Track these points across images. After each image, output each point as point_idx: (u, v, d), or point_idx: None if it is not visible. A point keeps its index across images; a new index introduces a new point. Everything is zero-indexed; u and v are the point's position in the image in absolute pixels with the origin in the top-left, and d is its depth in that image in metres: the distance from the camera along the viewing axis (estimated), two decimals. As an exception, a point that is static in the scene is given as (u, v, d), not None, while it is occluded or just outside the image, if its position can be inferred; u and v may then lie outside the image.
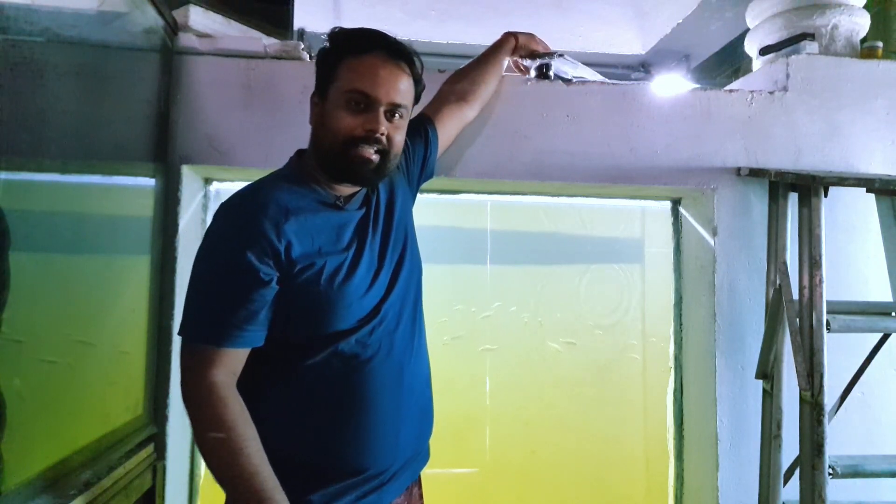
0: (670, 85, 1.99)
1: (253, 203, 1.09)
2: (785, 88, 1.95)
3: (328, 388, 1.09)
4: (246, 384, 1.10)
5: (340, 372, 1.09)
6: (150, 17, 1.53)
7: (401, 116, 1.14)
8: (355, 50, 1.11)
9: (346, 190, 1.17)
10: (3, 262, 1.07)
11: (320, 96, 1.15)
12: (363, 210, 1.19)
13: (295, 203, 1.10)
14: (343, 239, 1.13)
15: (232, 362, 1.04)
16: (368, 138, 1.09)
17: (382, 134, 1.10)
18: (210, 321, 1.03)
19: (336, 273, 1.09)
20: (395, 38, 1.15)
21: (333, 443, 1.09)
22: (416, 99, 1.22)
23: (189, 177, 1.72)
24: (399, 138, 1.15)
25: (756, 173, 1.85)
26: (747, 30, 2.33)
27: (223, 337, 1.02)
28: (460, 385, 3.21)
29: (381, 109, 1.10)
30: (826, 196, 1.65)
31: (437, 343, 3.23)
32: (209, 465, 1.00)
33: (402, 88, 1.12)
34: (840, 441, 1.70)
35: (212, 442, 0.99)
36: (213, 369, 1.01)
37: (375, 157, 1.11)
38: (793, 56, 1.97)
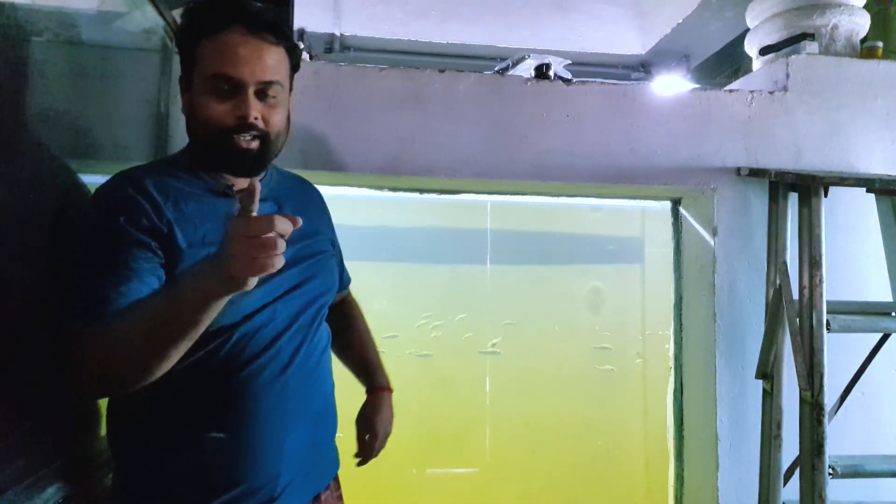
0: (670, 85, 2.00)
1: (128, 183, 0.98)
2: (785, 88, 1.95)
3: (201, 393, 0.99)
4: (116, 404, 1.04)
5: (215, 374, 0.99)
6: (150, 17, 1.53)
7: (274, 95, 1.03)
8: (211, 28, 1.00)
9: (241, 182, 1.07)
10: None
11: (187, 81, 1.05)
12: (269, 204, 1.11)
13: (177, 188, 1.01)
14: None
15: None
16: (242, 126, 0.99)
17: (256, 118, 1.00)
18: (89, 295, 0.89)
19: None
20: (254, 8, 1.03)
21: (210, 454, 0.99)
22: (294, 68, 1.10)
23: (189, 177, 1.72)
24: (277, 118, 1.04)
25: (756, 173, 1.85)
26: (747, 30, 2.33)
27: (106, 304, 0.87)
28: (460, 386, 3.21)
29: (251, 91, 1.00)
30: (826, 196, 1.66)
31: (436, 343, 3.23)
32: (155, 346, 0.86)
33: (270, 64, 1.01)
34: (840, 441, 1.70)
35: (136, 343, 0.86)
36: (85, 331, 0.87)
37: (255, 145, 1.01)
38: (793, 56, 1.97)
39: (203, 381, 0.99)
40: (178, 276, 0.93)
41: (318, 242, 1.20)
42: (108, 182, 1.01)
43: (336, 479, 1.25)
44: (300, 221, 0.80)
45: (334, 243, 1.30)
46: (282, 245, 0.78)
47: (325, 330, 1.19)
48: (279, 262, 0.79)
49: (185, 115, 1.06)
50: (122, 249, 0.92)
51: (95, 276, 0.91)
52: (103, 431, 1.28)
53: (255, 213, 0.79)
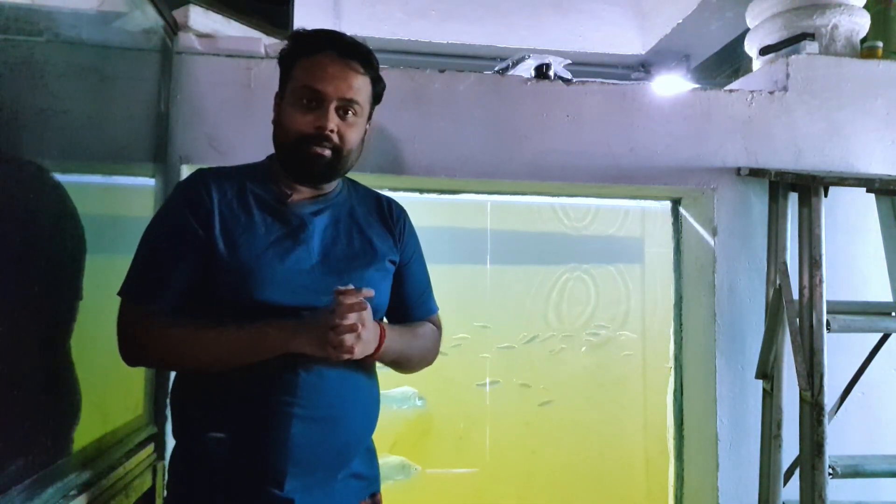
0: (670, 85, 2.00)
1: (198, 180, 1.16)
2: (785, 88, 1.95)
3: (229, 381, 1.07)
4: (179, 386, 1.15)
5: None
6: (150, 17, 1.53)
7: (354, 114, 1.15)
8: (308, 50, 1.15)
9: (306, 192, 1.19)
10: (82, 267, 1.17)
11: (280, 96, 1.19)
12: (322, 217, 1.18)
13: (236, 192, 1.15)
14: (271, 232, 1.13)
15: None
16: (319, 136, 1.11)
17: (332, 131, 1.12)
18: (149, 277, 1.09)
19: (257, 251, 1.10)
20: (350, 39, 1.17)
21: (231, 439, 1.06)
22: (377, 99, 1.24)
23: (189, 177, 1.72)
24: (352, 136, 1.16)
25: (756, 173, 1.85)
26: (747, 30, 2.33)
27: (165, 294, 1.08)
28: (460, 385, 3.21)
29: (332, 106, 1.12)
30: (826, 196, 1.65)
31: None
32: (200, 364, 1.07)
33: (353, 85, 1.14)
34: (840, 441, 1.70)
35: (187, 349, 1.06)
36: (150, 319, 1.07)
37: (328, 154, 1.13)
38: (793, 56, 1.97)
39: (227, 379, 1.08)
40: (264, 324, 1.06)
41: (364, 258, 1.19)
42: (185, 179, 1.20)
43: (374, 500, 1.21)
44: (371, 293, 1.04)
45: (399, 262, 1.26)
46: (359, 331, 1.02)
47: None
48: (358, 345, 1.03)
49: (274, 124, 1.20)
50: (182, 246, 1.09)
51: (160, 268, 1.09)
52: (106, 430, 1.29)
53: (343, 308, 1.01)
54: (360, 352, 1.05)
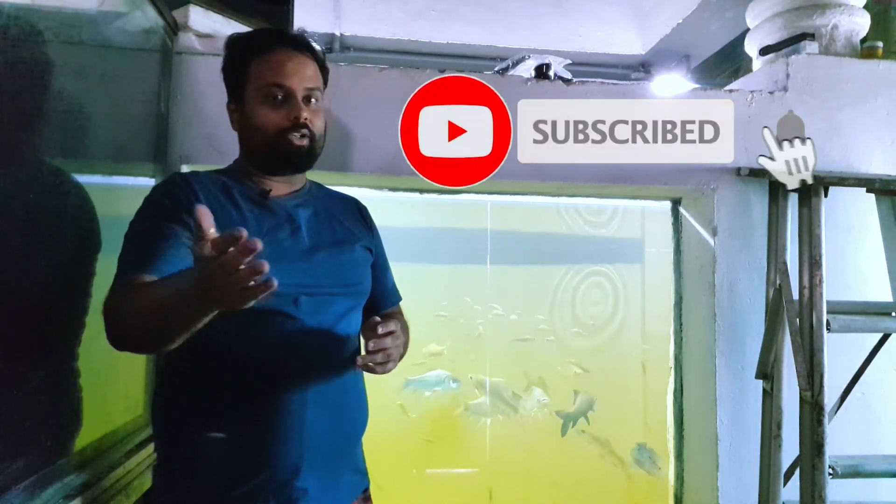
0: (670, 85, 1.99)
1: (177, 177, 1.18)
2: (785, 88, 1.95)
3: (228, 382, 1.08)
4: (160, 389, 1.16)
5: (238, 364, 1.08)
6: (150, 17, 1.53)
7: (316, 100, 1.21)
8: (260, 50, 1.19)
9: (282, 188, 1.22)
10: (92, 264, 1.17)
11: (236, 102, 1.21)
12: (306, 210, 1.23)
13: (219, 189, 1.17)
14: (262, 223, 1.15)
15: None
16: (296, 126, 1.16)
17: (306, 118, 1.17)
18: (134, 254, 1.04)
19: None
20: (293, 33, 1.24)
21: (236, 436, 1.07)
22: (325, 83, 1.28)
23: (189, 177, 1.71)
24: (319, 122, 1.22)
25: (756, 173, 1.85)
26: (747, 30, 2.33)
27: (145, 263, 1.01)
28: (460, 387, 3.21)
29: (299, 96, 1.17)
30: (826, 196, 1.66)
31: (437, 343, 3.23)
32: (159, 321, 0.93)
33: (311, 74, 1.20)
34: (840, 441, 1.70)
35: (145, 306, 0.93)
36: (124, 288, 0.99)
37: (305, 143, 1.18)
38: (793, 56, 1.97)
39: (230, 370, 1.08)
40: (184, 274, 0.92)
41: (350, 245, 1.25)
42: (162, 182, 1.23)
43: (366, 495, 1.24)
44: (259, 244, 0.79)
45: (374, 252, 1.32)
46: (262, 266, 0.79)
47: (354, 329, 1.21)
48: (271, 283, 0.81)
49: (238, 129, 1.22)
50: (165, 224, 1.06)
51: (141, 240, 1.06)
52: (106, 430, 1.29)
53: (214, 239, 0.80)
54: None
